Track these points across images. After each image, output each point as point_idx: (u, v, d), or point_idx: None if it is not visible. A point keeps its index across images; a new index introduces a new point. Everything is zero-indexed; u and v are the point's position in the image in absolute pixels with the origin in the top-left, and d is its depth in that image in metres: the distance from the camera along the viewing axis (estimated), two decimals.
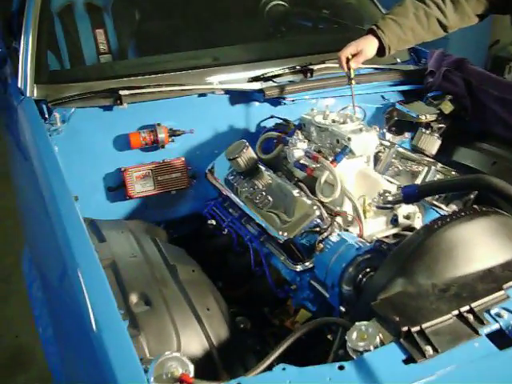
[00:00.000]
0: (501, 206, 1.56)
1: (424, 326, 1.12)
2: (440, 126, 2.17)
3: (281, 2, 2.64)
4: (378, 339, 1.11)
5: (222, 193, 1.97)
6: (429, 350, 1.07)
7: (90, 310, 1.14)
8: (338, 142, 1.75)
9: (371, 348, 1.10)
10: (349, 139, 1.71)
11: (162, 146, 2.03)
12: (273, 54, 2.31)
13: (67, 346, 1.33)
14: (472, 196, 1.81)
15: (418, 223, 1.68)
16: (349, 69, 1.96)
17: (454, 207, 1.79)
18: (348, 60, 1.95)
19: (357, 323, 1.15)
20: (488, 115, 2.18)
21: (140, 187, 2.01)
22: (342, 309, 1.43)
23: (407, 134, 2.30)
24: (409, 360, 1.07)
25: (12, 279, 2.86)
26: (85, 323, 1.13)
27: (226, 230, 1.85)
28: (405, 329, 1.11)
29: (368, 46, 1.95)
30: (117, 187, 2.02)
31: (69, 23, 2.89)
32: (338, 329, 1.26)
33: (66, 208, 1.40)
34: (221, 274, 1.91)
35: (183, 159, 2.07)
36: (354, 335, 1.13)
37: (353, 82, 1.96)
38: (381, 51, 1.98)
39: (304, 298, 1.63)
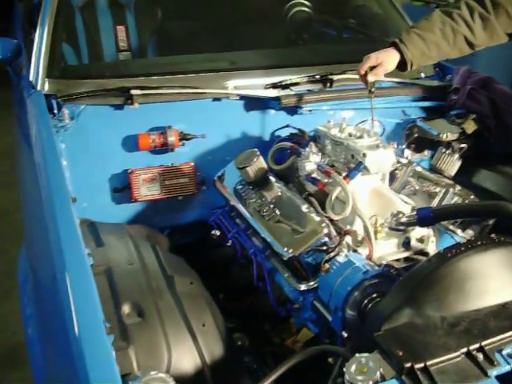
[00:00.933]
0: None
1: (429, 363, 1.05)
2: (461, 145, 2.08)
3: (305, 9, 2.57)
4: (378, 374, 1.04)
5: (230, 202, 1.90)
6: None
7: (74, 318, 1.09)
8: (352, 157, 1.68)
9: (370, 383, 1.02)
10: (364, 155, 1.63)
11: (172, 150, 1.97)
12: (292, 61, 2.24)
13: (50, 349, 1.28)
14: (491, 222, 1.71)
15: (431, 248, 1.60)
16: (367, 81, 1.88)
17: (470, 233, 1.70)
18: (367, 72, 1.87)
19: (357, 355, 1.07)
20: None
21: (146, 190, 1.95)
22: (345, 334, 1.36)
23: (427, 152, 2.21)
24: None
25: (16, 274, 2.82)
26: (67, 330, 1.08)
27: (231, 242, 1.78)
28: (408, 365, 1.04)
29: (389, 59, 1.86)
30: (122, 189, 1.97)
31: (90, 18, 2.85)
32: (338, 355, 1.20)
33: (61, 209, 1.34)
34: (223, 286, 1.85)
35: (192, 164, 2.01)
36: (353, 368, 1.06)
37: (372, 95, 1.88)
38: (402, 65, 1.90)
39: (306, 319, 1.56)
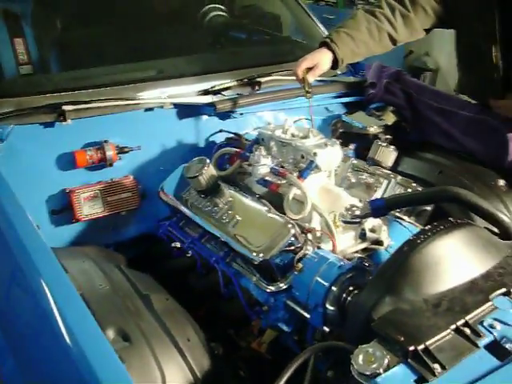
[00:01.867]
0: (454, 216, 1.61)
1: (428, 343, 1.11)
2: (387, 137, 2.21)
3: (221, 13, 2.59)
4: (385, 361, 1.09)
5: (177, 212, 1.88)
6: (437, 368, 1.07)
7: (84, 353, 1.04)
8: (302, 157, 1.72)
9: (381, 371, 1.07)
10: (315, 154, 1.68)
11: (110, 165, 1.91)
12: (218, 67, 2.25)
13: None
14: (429, 208, 1.84)
15: (384, 236, 1.69)
16: (304, 82, 1.94)
17: (413, 218, 1.82)
18: (303, 74, 1.93)
19: (361, 346, 1.12)
20: (428, 126, 2.25)
21: (89, 209, 1.87)
22: (326, 329, 1.40)
23: (351, 146, 2.31)
24: (420, 380, 1.06)
25: None
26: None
27: (190, 252, 1.76)
28: (411, 348, 1.10)
29: (323, 59, 1.95)
30: (61, 210, 1.88)
31: None
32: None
33: (30, 239, 1.26)
34: (180, 297, 1.83)
35: (132, 178, 1.96)
36: (361, 358, 1.10)
37: (310, 95, 1.95)
38: (334, 64, 1.99)
39: (277, 319, 1.58)
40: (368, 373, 1.08)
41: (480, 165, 2.06)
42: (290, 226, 1.55)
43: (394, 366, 1.09)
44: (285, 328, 1.57)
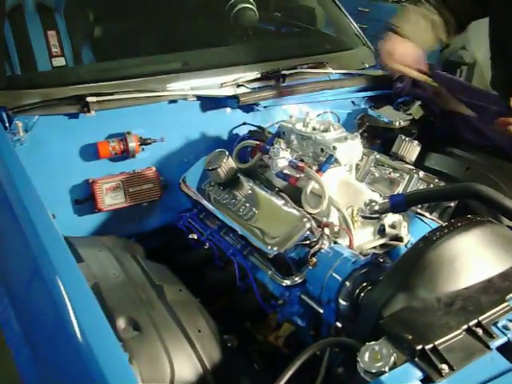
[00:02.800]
0: (480, 214, 1.57)
1: (437, 343, 1.09)
2: (413, 131, 2.17)
3: (249, 5, 2.58)
4: (392, 359, 1.07)
5: (198, 204, 1.89)
6: (445, 368, 1.04)
7: (80, 332, 1.06)
8: (322, 150, 1.70)
9: (386, 369, 1.05)
10: (334, 148, 1.66)
11: (133, 156, 1.92)
12: (244, 59, 2.24)
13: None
14: (452, 204, 1.80)
15: (404, 232, 1.66)
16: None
17: (435, 215, 1.78)
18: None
19: (368, 343, 1.10)
20: (457, 120, 2.20)
21: (110, 200, 1.90)
22: (339, 325, 1.39)
23: (378, 140, 2.28)
24: (426, 380, 1.04)
25: None
26: (75, 348, 1.05)
27: (207, 244, 1.77)
28: (419, 347, 1.07)
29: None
30: (84, 200, 1.91)
31: (19, 25, 2.73)
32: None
33: (45, 229, 1.28)
34: (197, 289, 1.84)
35: (154, 169, 1.98)
36: (367, 356, 1.09)
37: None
38: None
39: (292, 313, 1.57)
40: (374, 371, 1.06)
41: (509, 161, 2.00)
42: (305, 219, 1.54)
43: (400, 365, 1.07)
44: (300, 322, 1.57)
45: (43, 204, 1.37)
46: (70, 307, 1.11)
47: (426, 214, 1.75)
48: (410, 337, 1.10)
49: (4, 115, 1.83)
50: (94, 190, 1.88)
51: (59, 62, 2.83)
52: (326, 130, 1.76)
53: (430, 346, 1.08)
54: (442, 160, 2.14)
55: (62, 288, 1.15)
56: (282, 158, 1.70)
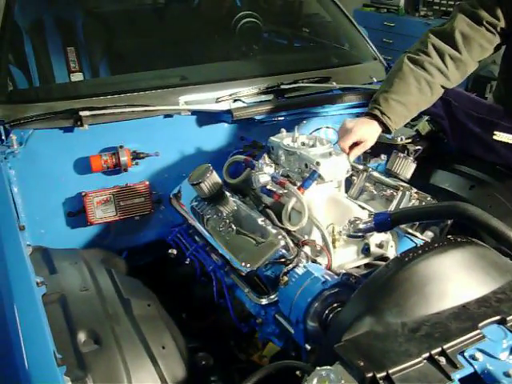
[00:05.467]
0: (480, 234, 1.48)
1: (391, 371, 1.03)
2: (416, 148, 2.09)
3: (254, 20, 2.56)
4: None
5: (186, 219, 1.86)
6: None
7: (23, 351, 1.05)
8: (306, 166, 1.66)
9: None
10: (317, 164, 1.61)
11: (125, 170, 1.92)
12: (243, 73, 2.22)
13: None
14: (449, 222, 1.71)
15: (391, 252, 1.60)
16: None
17: (430, 234, 1.69)
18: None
19: (317, 368, 1.05)
20: (467, 136, 2.11)
21: (101, 213, 1.90)
22: (308, 347, 1.33)
23: (383, 156, 2.21)
24: None
25: None
26: (16, 365, 1.04)
27: (189, 260, 1.74)
28: (369, 375, 1.02)
29: (372, 135, 1.84)
30: (77, 212, 1.92)
31: (39, 40, 2.79)
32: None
33: (8, 238, 1.29)
34: (185, 305, 1.81)
35: (147, 183, 1.97)
36: (315, 382, 1.03)
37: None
38: (385, 132, 1.89)
39: (270, 333, 1.53)
40: None
41: None
42: (280, 237, 1.49)
43: None
44: (277, 342, 1.52)
45: (13, 216, 1.38)
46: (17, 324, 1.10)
47: (417, 234, 1.66)
48: (362, 363, 1.04)
49: (1, 128, 1.86)
50: (85, 203, 1.88)
51: (77, 77, 2.88)
52: (313, 146, 1.71)
53: (383, 373, 1.02)
54: (448, 177, 2.06)
55: (13, 303, 1.15)
56: (264, 174, 1.66)
